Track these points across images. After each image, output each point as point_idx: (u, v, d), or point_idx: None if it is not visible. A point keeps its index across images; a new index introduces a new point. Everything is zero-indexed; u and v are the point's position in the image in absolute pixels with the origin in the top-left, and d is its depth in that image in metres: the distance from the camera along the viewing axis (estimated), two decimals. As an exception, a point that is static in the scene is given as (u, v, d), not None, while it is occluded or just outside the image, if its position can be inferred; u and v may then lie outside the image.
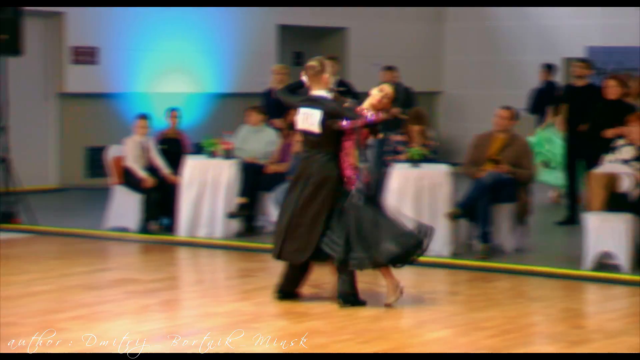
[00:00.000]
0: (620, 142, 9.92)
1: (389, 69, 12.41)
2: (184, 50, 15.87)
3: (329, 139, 7.78)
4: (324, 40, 18.27)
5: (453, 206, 9.83)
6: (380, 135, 7.94)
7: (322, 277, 8.16)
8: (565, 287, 8.72)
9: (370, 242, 7.65)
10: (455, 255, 9.79)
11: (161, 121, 12.09)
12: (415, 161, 10.05)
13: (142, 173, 11.10)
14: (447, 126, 19.15)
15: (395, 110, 12.03)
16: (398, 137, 10.75)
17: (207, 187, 10.76)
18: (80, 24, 14.88)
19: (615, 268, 9.09)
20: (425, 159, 10.25)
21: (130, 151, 11.22)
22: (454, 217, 9.79)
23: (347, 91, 12.76)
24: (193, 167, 10.80)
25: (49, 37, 14.88)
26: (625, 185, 9.42)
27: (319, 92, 7.93)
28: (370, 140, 7.90)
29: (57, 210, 12.91)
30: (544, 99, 14.47)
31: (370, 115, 7.77)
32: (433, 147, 10.69)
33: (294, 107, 8.15)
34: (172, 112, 11.97)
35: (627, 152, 9.77)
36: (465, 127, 18.46)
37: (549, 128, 12.92)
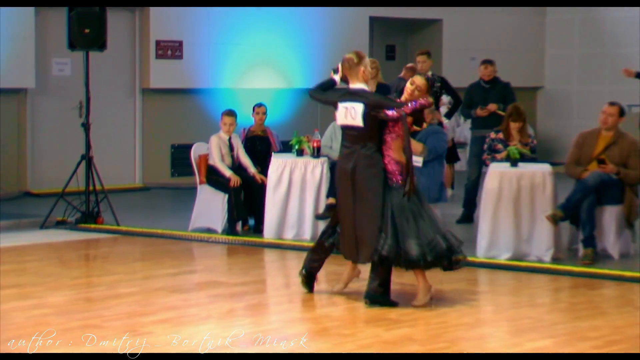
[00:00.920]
0: None
1: (487, 63, 12.29)
2: (271, 44, 15.95)
3: (372, 133, 7.90)
4: (417, 33, 18.21)
5: (555, 208, 9.72)
6: (425, 125, 8.03)
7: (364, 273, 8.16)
8: (676, 295, 8.55)
9: (399, 238, 7.72)
10: (557, 260, 9.68)
11: (247, 118, 12.18)
12: (513, 160, 9.96)
13: (228, 172, 11.20)
14: (547, 123, 18.93)
15: (493, 106, 11.94)
16: (495, 135, 10.66)
17: (294, 187, 10.80)
18: (165, 17, 15.07)
19: None
20: (524, 158, 10.16)
21: (216, 149, 11.32)
22: (555, 220, 9.67)
23: (443, 87, 12.71)
24: (280, 166, 10.86)
25: (133, 31, 15.11)
26: None
27: (357, 85, 8.04)
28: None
29: (141, 210, 13.09)
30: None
31: (412, 104, 7.81)
32: (533, 145, 10.59)
33: (332, 104, 8.22)
34: (259, 108, 12.03)
35: None
36: (567, 125, 18.24)
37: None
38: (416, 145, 10.06)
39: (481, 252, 9.80)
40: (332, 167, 10.95)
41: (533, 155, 10.49)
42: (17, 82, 13.94)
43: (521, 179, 9.79)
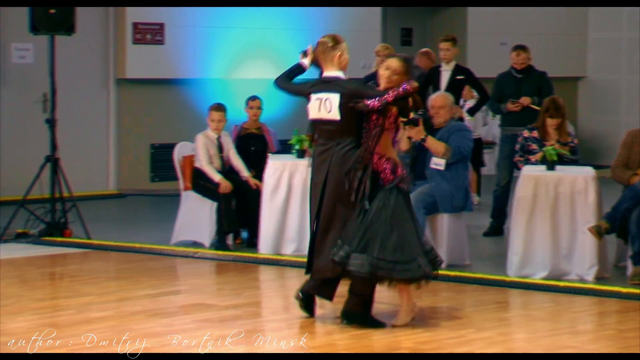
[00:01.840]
0: None
1: (519, 49, 12.29)
2: (268, 28, 15.98)
3: (350, 126, 7.96)
4: (437, 15, 18.22)
5: (599, 219, 9.72)
6: (412, 115, 8.05)
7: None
8: None
9: (374, 245, 7.79)
10: (601, 280, 9.68)
11: (240, 113, 12.20)
12: (550, 163, 9.96)
13: (217, 176, 11.21)
14: (591, 119, 18.94)
15: (526, 100, 11.94)
16: (529, 133, 10.67)
17: (294, 194, 10.82)
18: (144, -4, 15.12)
19: None
20: (563, 160, 10.16)
21: (203, 150, 11.33)
22: (600, 232, 9.67)
23: (466, 79, 12.71)
24: (278, 169, 10.87)
25: (107, 11, 15.12)
26: None
27: (332, 72, 8.07)
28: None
29: (116, 221, 13.12)
30: None
31: (395, 90, 7.83)
32: (573, 145, 10.59)
33: (303, 95, 8.23)
34: (253, 102, 12.05)
35: None
36: (614, 121, 18.24)
37: None
38: (437, 146, 10.07)
39: (512, 270, 9.81)
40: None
41: (573, 157, 10.50)
42: (-29, 72, 14.00)
43: (559, 185, 9.80)
